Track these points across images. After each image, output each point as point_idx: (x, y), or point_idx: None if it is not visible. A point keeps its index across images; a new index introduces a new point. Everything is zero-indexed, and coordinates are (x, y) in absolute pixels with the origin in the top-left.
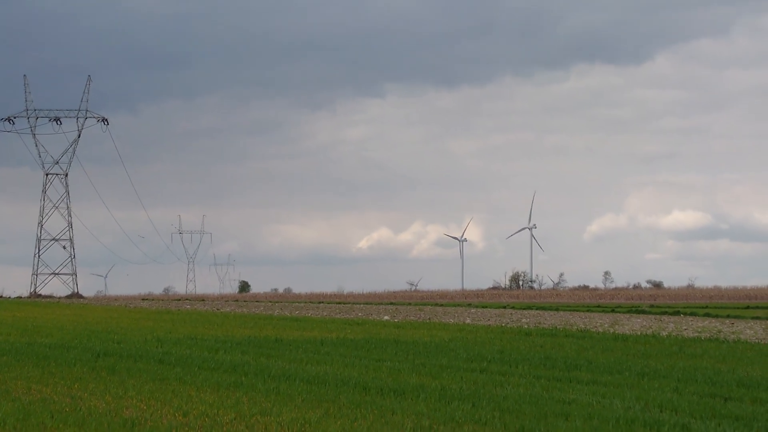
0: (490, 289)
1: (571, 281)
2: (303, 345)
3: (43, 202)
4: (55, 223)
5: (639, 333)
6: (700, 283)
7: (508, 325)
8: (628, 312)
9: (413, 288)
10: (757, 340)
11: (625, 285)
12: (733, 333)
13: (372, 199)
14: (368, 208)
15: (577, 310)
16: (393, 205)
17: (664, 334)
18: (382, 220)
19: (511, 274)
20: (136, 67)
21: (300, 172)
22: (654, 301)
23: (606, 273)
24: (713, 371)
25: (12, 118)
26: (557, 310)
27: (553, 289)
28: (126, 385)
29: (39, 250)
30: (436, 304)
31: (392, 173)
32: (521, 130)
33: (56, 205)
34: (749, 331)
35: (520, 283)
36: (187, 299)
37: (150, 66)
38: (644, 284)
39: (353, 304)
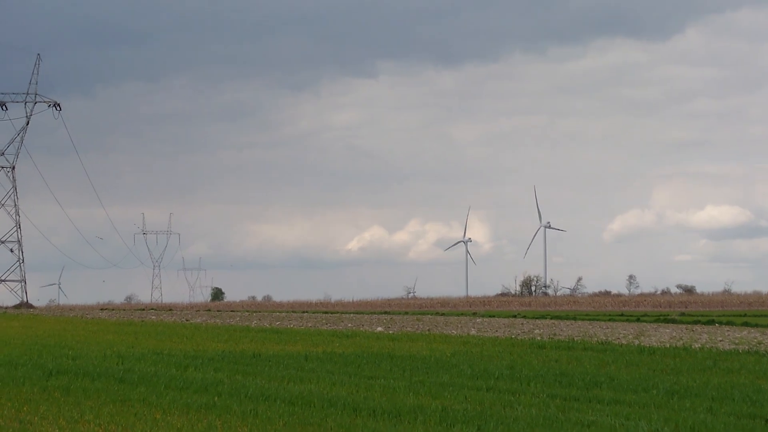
0: (498, 295)
1: (591, 287)
2: (284, 360)
3: None
4: (1, 223)
5: (668, 345)
6: (737, 288)
7: (519, 337)
8: (656, 321)
9: (410, 295)
10: None
11: (652, 291)
12: None
13: (363, 193)
14: (359, 204)
15: (597, 320)
16: (387, 201)
17: (696, 346)
18: (375, 217)
19: (522, 278)
20: (91, 45)
21: (280, 163)
22: (685, 308)
23: (630, 277)
24: (753, 389)
25: None
26: (575, 319)
27: (571, 295)
28: (82, 407)
29: None
30: (437, 313)
31: (386, 164)
32: (532, 113)
33: (2, 202)
34: None
35: (533, 289)
36: (152, 309)
37: (107, 43)
38: (674, 289)
39: (342, 313)
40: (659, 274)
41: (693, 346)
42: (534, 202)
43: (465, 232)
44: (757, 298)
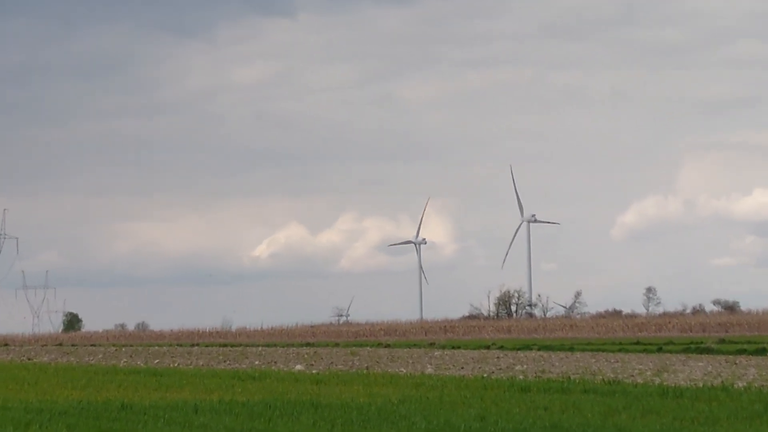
0: (465, 318)
1: (594, 304)
2: (165, 414)
3: None
4: None
5: (701, 384)
6: None
7: (494, 376)
8: (684, 352)
9: (343, 319)
10: None
11: (679, 309)
12: None
13: (276, 178)
14: (270, 193)
15: (602, 350)
16: (310, 189)
17: (740, 385)
18: (293, 212)
19: (498, 294)
20: None
21: (161, 137)
22: (725, 332)
23: (648, 290)
24: None
25: None
26: (572, 350)
27: (566, 317)
28: None
29: None
30: (380, 345)
31: (308, 137)
32: (512, 64)
33: None
34: None
35: (514, 308)
36: None
37: None
38: (709, 307)
39: (247, 346)
40: (689, 286)
41: (736, 386)
42: (513, 188)
43: (419, 230)
44: None
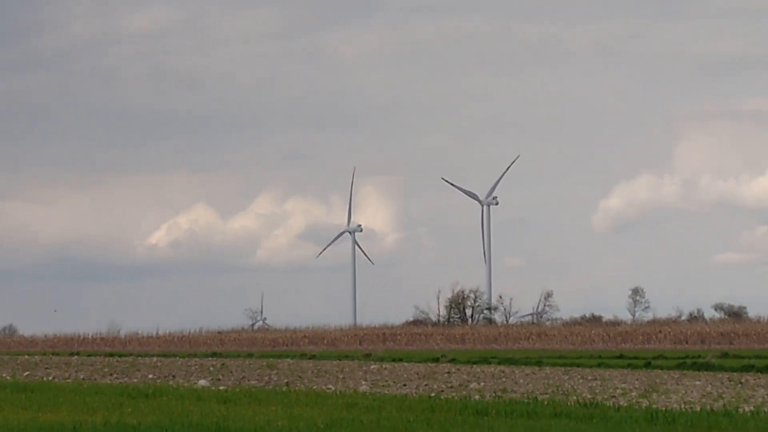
0: (408, 324)
1: (568, 309)
2: None
3: None
4: None
5: (698, 408)
6: None
7: (443, 395)
8: (678, 368)
9: (258, 324)
10: None
11: (673, 315)
12: None
13: (178, 150)
14: (171, 168)
15: (577, 365)
16: (220, 162)
17: (746, 409)
18: (199, 190)
19: (450, 295)
20: None
21: (35, 99)
22: (729, 344)
23: (635, 292)
24: None
25: None
26: (539, 364)
27: (534, 323)
28: None
29: None
30: (304, 356)
31: (218, 100)
32: (471, 12)
33: None
34: None
35: (469, 312)
36: None
37: None
38: (710, 313)
39: (139, 356)
40: (685, 287)
41: (741, 410)
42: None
43: (349, 214)
44: None
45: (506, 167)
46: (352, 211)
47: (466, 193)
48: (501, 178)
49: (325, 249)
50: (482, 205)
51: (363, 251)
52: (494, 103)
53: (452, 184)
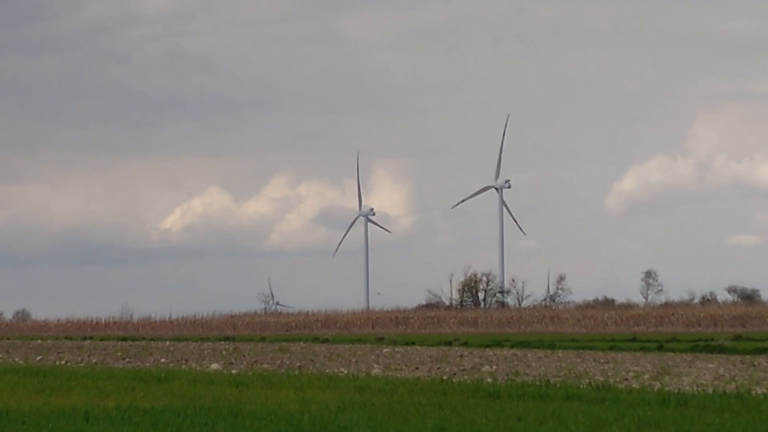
0: (421, 308)
1: (581, 292)
2: (50, 423)
3: None
4: None
5: (711, 391)
6: None
7: (456, 378)
8: (691, 351)
9: (271, 308)
10: None
11: (686, 298)
12: None
13: (192, 133)
14: (184, 151)
15: (590, 347)
16: (233, 145)
17: (759, 391)
18: (212, 174)
19: (463, 277)
20: None
21: (48, 80)
22: (742, 327)
23: (648, 275)
24: None
25: None
26: (552, 347)
27: (546, 306)
28: None
29: None
30: (316, 339)
31: (232, 82)
32: None
33: None
34: None
35: (482, 295)
36: None
37: None
38: (723, 296)
39: (152, 340)
40: (698, 270)
41: (754, 392)
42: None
43: (360, 198)
44: None
45: (501, 134)
46: (362, 195)
47: (480, 192)
48: (501, 154)
49: (341, 242)
50: (498, 191)
51: (378, 224)
52: (507, 84)
53: (464, 200)
